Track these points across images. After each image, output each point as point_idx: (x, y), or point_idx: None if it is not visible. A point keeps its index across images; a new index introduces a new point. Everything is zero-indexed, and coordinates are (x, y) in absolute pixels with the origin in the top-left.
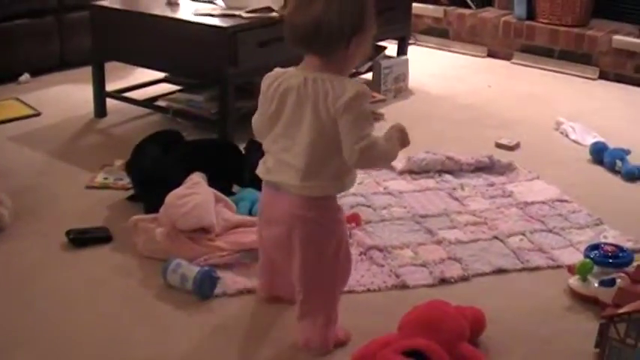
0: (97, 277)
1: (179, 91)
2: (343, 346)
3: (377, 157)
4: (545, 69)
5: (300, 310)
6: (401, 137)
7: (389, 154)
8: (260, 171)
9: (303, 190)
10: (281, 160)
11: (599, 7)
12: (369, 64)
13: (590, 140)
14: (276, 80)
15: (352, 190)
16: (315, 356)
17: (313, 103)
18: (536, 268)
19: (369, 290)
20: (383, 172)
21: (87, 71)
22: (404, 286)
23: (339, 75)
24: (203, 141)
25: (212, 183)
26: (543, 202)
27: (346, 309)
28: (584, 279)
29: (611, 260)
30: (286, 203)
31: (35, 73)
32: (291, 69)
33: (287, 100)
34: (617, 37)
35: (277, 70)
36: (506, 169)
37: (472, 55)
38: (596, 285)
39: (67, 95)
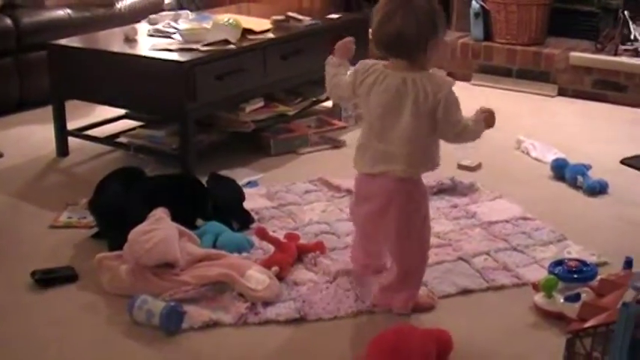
0: (64, 317)
1: (140, 127)
2: (425, 312)
3: (467, 136)
4: (504, 88)
5: (391, 276)
6: (487, 118)
7: (477, 133)
8: (359, 165)
9: (404, 173)
10: (383, 151)
11: (554, 25)
12: None
13: (551, 157)
14: (369, 77)
15: (316, 218)
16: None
17: (414, 99)
18: (502, 287)
19: (336, 317)
20: (345, 198)
21: (47, 111)
22: (371, 312)
23: (431, 73)
24: (165, 176)
25: (175, 218)
26: (506, 221)
27: (314, 336)
28: (549, 295)
29: (575, 275)
30: (384, 183)
31: None
32: (382, 67)
33: (386, 99)
34: (573, 53)
35: (367, 62)
36: (468, 189)
37: None
38: (561, 301)
39: (29, 135)
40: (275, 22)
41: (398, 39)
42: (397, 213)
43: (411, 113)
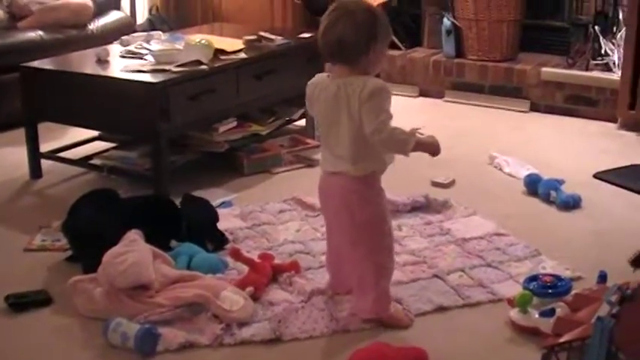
0: (39, 342)
1: (113, 148)
2: (399, 328)
3: (388, 140)
4: (476, 105)
5: (354, 282)
6: (430, 141)
7: (404, 143)
8: (323, 165)
9: (356, 171)
10: (334, 154)
11: (526, 41)
12: (302, 110)
13: (524, 173)
14: (316, 89)
15: (290, 238)
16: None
17: (346, 102)
18: (477, 304)
19: (311, 337)
20: (320, 217)
21: (20, 133)
22: (346, 331)
23: (364, 76)
24: (138, 198)
25: (149, 239)
26: (481, 237)
27: (289, 356)
28: (524, 311)
29: (549, 290)
30: (338, 182)
31: None
32: (326, 78)
33: (327, 106)
34: (545, 69)
35: (318, 76)
36: (442, 206)
37: (404, 96)
38: (536, 316)
39: (1, 158)
40: (247, 42)
41: (338, 45)
42: (355, 209)
43: (347, 116)
